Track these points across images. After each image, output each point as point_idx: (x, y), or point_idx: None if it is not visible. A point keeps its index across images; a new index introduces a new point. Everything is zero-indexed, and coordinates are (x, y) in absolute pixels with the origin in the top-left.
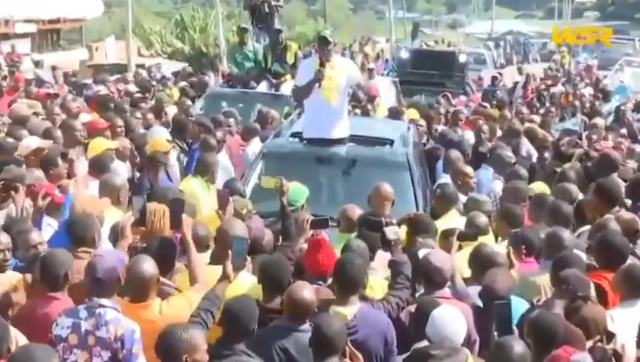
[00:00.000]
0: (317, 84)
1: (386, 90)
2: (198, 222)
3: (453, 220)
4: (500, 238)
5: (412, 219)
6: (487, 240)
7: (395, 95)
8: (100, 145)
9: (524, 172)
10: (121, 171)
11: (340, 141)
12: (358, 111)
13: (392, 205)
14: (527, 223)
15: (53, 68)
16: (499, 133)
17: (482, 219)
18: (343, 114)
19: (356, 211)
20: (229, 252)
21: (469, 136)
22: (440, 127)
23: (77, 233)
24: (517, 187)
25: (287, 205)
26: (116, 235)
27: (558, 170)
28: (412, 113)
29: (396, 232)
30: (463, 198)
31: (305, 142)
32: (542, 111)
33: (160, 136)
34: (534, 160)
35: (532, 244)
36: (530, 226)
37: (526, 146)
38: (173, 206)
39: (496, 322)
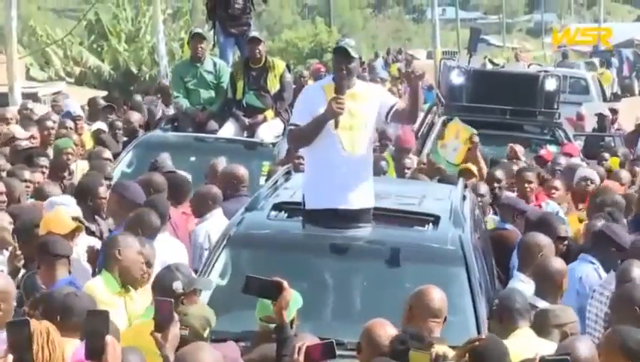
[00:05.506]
0: (332, 124)
1: None
2: (131, 349)
3: (525, 342)
4: None
5: (477, 349)
6: None
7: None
8: None
9: None
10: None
11: (361, 215)
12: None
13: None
14: None
15: None
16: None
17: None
18: (369, 170)
19: (387, 329)
20: None
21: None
22: (510, 195)
23: None
24: (631, 295)
25: (269, 322)
26: None
27: None
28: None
29: None
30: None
31: (296, 217)
32: None
33: (61, 212)
34: None
35: None
36: None
37: None
38: (91, 323)
39: None
